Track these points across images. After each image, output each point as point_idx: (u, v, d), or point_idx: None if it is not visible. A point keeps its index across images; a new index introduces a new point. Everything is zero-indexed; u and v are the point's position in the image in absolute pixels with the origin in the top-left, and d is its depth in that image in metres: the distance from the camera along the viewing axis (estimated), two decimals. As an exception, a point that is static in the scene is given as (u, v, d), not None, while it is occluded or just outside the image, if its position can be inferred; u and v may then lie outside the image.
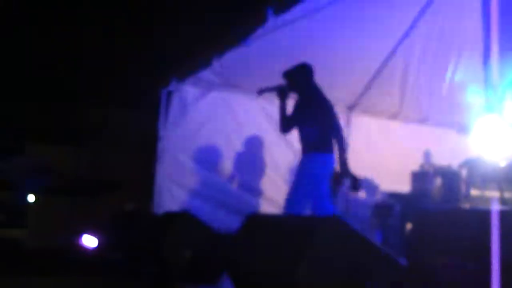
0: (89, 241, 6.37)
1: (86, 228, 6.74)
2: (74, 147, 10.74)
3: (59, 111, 10.41)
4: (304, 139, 5.22)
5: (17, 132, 10.48)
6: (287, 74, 5.19)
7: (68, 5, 9.39)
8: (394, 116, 7.65)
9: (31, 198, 11.15)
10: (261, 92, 5.38)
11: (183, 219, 4.13)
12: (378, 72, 7.05)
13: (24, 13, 9.52)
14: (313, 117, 5.04)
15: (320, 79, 5.76)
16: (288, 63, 5.70)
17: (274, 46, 5.72)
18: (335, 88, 7.02)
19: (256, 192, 7.03)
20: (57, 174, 10.22)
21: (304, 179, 5.06)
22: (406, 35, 6.55)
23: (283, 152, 7.24)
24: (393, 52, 6.78)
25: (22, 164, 10.19)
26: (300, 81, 5.16)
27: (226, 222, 5.72)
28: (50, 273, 5.62)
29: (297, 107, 5.23)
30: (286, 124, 5.21)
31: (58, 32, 9.48)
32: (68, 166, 10.48)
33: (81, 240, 6.57)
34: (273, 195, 7.03)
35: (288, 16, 5.19)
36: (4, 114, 10.19)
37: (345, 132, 7.49)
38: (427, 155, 7.30)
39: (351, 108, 7.59)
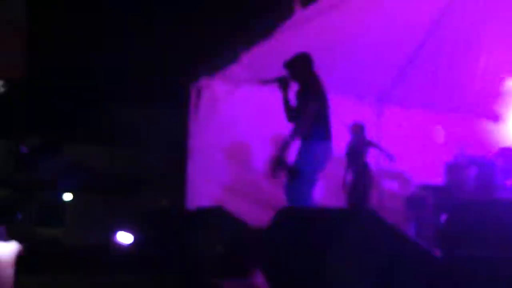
0: (124, 238, 6.46)
1: (121, 225, 6.84)
2: (108, 146, 10.91)
3: (93, 111, 10.59)
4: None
5: (54, 133, 10.70)
6: (288, 64, 5.15)
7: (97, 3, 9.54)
8: (425, 106, 7.53)
9: (68, 196, 11.38)
10: (263, 82, 5.35)
11: (215, 215, 4.15)
12: (409, 62, 6.94)
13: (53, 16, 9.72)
14: (315, 105, 4.98)
15: (349, 71, 5.73)
16: (316, 55, 5.67)
17: (302, 39, 5.70)
18: (364, 80, 6.97)
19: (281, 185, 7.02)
20: (92, 173, 10.40)
21: (305, 165, 4.99)
22: (435, 25, 6.44)
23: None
24: (423, 43, 6.67)
25: (59, 164, 10.40)
26: (301, 70, 5.11)
27: (259, 217, 5.73)
28: (86, 271, 5.72)
29: (298, 96, 5.20)
30: (291, 114, 5.18)
31: (88, 31, 9.64)
32: (103, 165, 10.65)
33: (116, 237, 6.67)
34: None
35: (315, 7, 5.16)
36: (43, 116, 10.43)
37: (375, 123, 7.46)
38: (461, 145, 7.16)
39: (381, 99, 7.51)
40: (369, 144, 6.83)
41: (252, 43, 5.64)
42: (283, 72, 6.07)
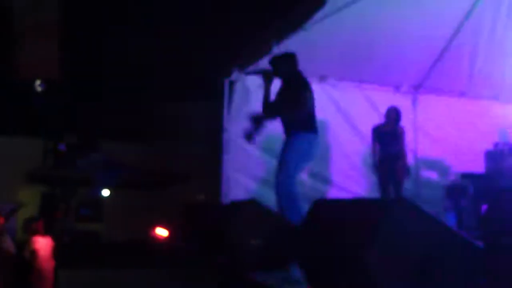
0: (161, 232, 6.53)
1: (158, 219, 6.91)
2: (144, 142, 11.04)
3: (129, 108, 10.72)
4: (290, 120, 5.11)
5: (93, 131, 10.89)
6: (272, 61, 5.15)
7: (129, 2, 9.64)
8: (462, 94, 7.36)
9: (106, 192, 11.57)
10: (250, 73, 5.35)
11: (251, 207, 4.14)
12: (445, 50, 6.78)
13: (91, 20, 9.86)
14: (301, 99, 4.94)
15: (383, 59, 5.62)
16: (349, 46, 5.60)
17: (334, 29, 5.63)
18: (400, 68, 6.85)
19: (323, 179, 6.99)
20: (130, 169, 10.54)
21: (294, 155, 4.96)
22: (471, 12, 6.26)
23: (350, 139, 7.15)
24: (458, 30, 6.49)
25: (98, 161, 10.57)
26: (284, 70, 5.09)
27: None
28: (124, 265, 5.81)
29: (280, 92, 5.16)
30: (267, 109, 5.17)
31: (121, 29, 9.75)
32: (140, 161, 10.79)
33: (154, 232, 6.74)
34: (341, 181, 6.97)
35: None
36: (80, 114, 10.62)
37: (411, 112, 7.34)
38: (501, 133, 6.96)
39: (417, 87, 7.37)
40: (401, 132, 6.68)
41: (284, 36, 5.59)
42: (316, 64, 6.04)
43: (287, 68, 5.13)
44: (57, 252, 7.32)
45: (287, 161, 4.94)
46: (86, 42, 10.06)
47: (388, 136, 6.63)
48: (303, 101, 4.91)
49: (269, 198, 5.17)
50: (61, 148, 10.41)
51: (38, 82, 9.77)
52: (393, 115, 6.66)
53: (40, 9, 9.37)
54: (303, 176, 6.83)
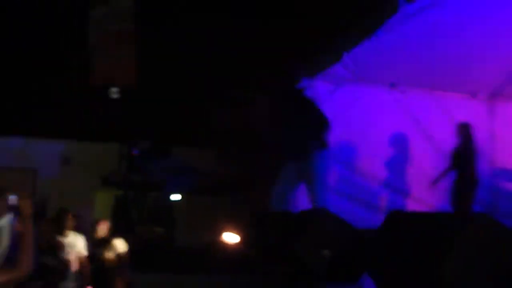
0: (231, 238, 6.59)
1: (227, 225, 6.99)
2: (214, 148, 11.20)
3: (200, 115, 10.92)
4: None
5: (163, 136, 11.17)
6: None
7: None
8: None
9: (176, 197, 11.82)
10: None
11: (321, 216, 4.11)
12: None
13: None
14: None
15: (458, 66, 5.45)
16: (420, 54, 5.48)
17: (405, 37, 5.52)
18: (473, 76, 6.62)
19: (393, 187, 6.85)
20: (201, 174, 10.72)
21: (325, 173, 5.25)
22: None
23: (422, 146, 6.98)
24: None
25: (170, 166, 10.82)
26: None
27: (363, 219, 5.63)
28: (192, 270, 5.91)
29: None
30: None
31: (191, 40, 9.95)
32: (210, 167, 10.95)
33: (223, 238, 6.82)
34: (412, 190, 6.82)
35: (417, 4, 4.98)
36: (153, 120, 10.93)
37: (488, 120, 7.08)
38: None
39: (494, 94, 7.10)
40: (472, 150, 6.43)
41: (355, 44, 5.55)
42: (386, 72, 5.98)
43: None
44: (132, 255, 7.54)
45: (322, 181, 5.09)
46: (162, 50, 10.35)
47: (460, 155, 6.43)
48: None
49: (338, 208, 5.13)
50: (134, 153, 10.73)
51: (114, 89, 10.14)
52: (464, 130, 6.46)
53: (116, 18, 9.74)
54: (378, 187, 6.75)
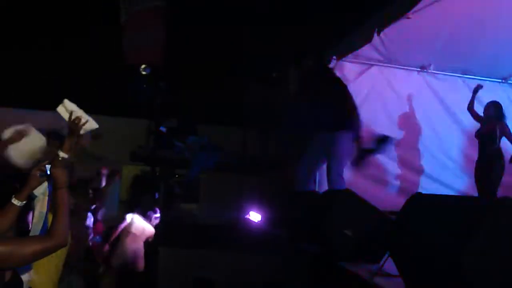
0: (255, 217, 6.67)
1: (252, 204, 7.06)
2: (240, 127, 11.24)
3: (226, 94, 10.97)
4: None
5: (192, 115, 11.27)
6: None
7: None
8: None
9: (202, 174, 11.91)
10: None
11: (346, 197, 4.13)
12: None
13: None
14: None
15: (490, 50, 5.34)
16: (453, 35, 5.39)
17: (438, 18, 5.44)
18: (508, 60, 6.51)
19: (417, 169, 6.84)
20: (226, 153, 10.80)
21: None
22: None
23: (449, 129, 6.93)
24: None
25: (196, 143, 10.92)
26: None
27: (387, 200, 5.65)
28: (217, 247, 5.98)
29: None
30: None
31: (221, 21, 9.96)
32: (236, 145, 11.01)
33: (247, 216, 6.91)
34: (435, 172, 6.79)
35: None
36: (180, 98, 11.03)
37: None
38: None
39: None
40: (504, 129, 6.24)
41: (386, 24, 5.49)
42: (416, 53, 5.91)
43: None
44: (158, 230, 7.69)
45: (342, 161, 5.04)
46: (191, 27, 10.38)
47: (484, 137, 6.27)
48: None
49: (362, 188, 5.13)
50: (161, 129, 10.85)
51: (143, 66, 10.24)
52: (491, 112, 6.30)
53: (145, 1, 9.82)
54: (393, 165, 6.73)
